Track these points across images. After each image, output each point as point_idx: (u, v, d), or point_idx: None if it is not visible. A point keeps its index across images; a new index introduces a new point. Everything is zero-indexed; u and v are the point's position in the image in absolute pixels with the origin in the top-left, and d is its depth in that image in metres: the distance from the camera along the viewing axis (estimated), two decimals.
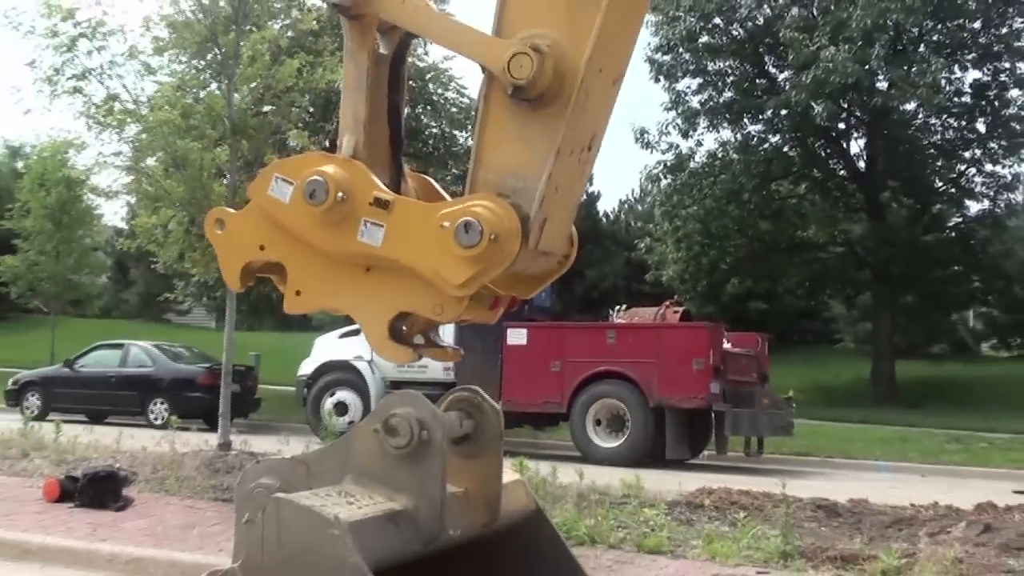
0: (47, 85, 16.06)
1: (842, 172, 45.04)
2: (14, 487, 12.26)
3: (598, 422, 21.23)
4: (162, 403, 27.39)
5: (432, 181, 5.07)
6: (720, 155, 43.55)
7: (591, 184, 58.57)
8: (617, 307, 24.93)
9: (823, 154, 44.97)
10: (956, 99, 41.75)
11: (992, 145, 42.27)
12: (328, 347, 24.27)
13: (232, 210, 4.86)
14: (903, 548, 9.58)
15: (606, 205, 66.79)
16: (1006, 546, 9.86)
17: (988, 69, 42.01)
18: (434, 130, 38.69)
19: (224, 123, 16.09)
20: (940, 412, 33.80)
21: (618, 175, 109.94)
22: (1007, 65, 41.80)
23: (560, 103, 4.30)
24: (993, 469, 21.98)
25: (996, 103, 41.75)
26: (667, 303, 23.95)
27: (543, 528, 5.06)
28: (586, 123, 4.47)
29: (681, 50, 41.95)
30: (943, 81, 38.70)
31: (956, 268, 43.89)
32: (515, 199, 4.32)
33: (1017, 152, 42.03)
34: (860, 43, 36.22)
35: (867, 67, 36.61)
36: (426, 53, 36.15)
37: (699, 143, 43.78)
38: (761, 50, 43.57)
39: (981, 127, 42.34)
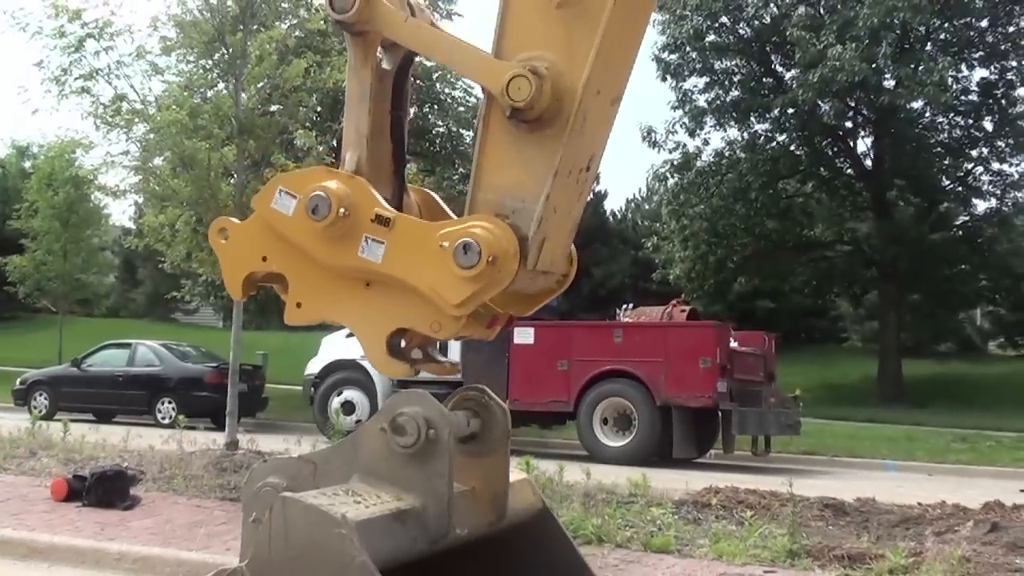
0: (55, 85, 16.06)
1: (849, 171, 44.97)
2: (22, 486, 12.27)
3: (605, 421, 21.22)
4: (169, 402, 27.43)
5: (434, 195, 5.11)
6: (727, 154, 43.55)
7: (598, 183, 58.56)
8: (624, 306, 24.94)
9: (830, 152, 44.91)
10: (963, 97, 41.66)
11: (999, 143, 42.18)
12: (335, 346, 24.26)
13: (236, 220, 4.88)
14: (910, 547, 9.56)
15: (613, 204, 66.78)
16: (1013, 545, 9.83)
17: (995, 67, 41.92)
18: (441, 129, 38.69)
19: (231, 123, 16.09)
20: (947, 411, 33.78)
21: (625, 174, 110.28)
22: (1014, 63, 41.68)
23: (558, 125, 4.33)
24: (1000, 468, 21.95)
25: (1003, 101, 41.64)
26: (674, 302, 23.95)
27: (550, 527, 5.07)
28: (584, 144, 4.49)
29: (688, 49, 41.90)
30: (950, 79, 38.66)
31: (963, 266, 43.82)
32: (514, 220, 4.35)
33: None
34: (867, 42, 36.19)
35: (874, 66, 36.58)
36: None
37: (706, 142, 43.89)
38: (768, 49, 43.53)
39: (988, 125, 42.28)
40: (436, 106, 38.26)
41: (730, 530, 10.54)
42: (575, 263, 4.91)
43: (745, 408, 20.41)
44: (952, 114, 42.07)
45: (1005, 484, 18.07)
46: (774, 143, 43.49)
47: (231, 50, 16.09)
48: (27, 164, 55.34)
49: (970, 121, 42.47)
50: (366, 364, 23.17)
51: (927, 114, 41.96)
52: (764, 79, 43.92)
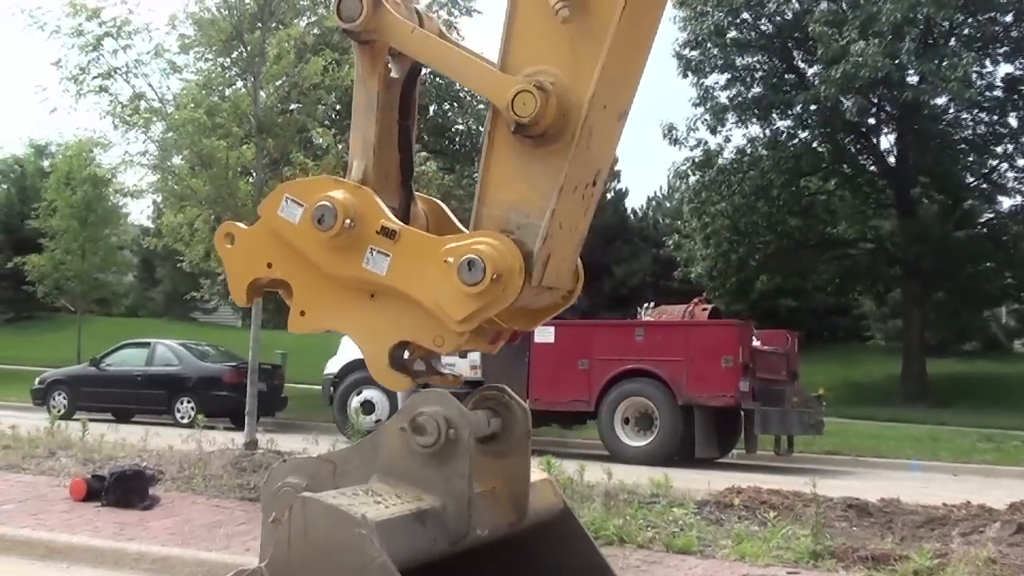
0: (73, 84, 16.13)
1: (872, 168, 44.79)
2: (41, 486, 12.32)
3: (626, 420, 21.21)
4: (188, 402, 27.53)
5: (442, 205, 5.11)
6: (749, 151, 43.43)
7: (618, 180, 58.56)
8: (645, 304, 24.92)
9: (853, 149, 44.73)
10: (987, 93, 41.44)
11: None
12: (354, 346, 24.20)
13: (242, 225, 4.89)
14: (935, 548, 9.52)
15: (634, 202, 66.81)
16: None
17: (1020, 63, 41.65)
18: (460, 127, 38.68)
19: (250, 121, 16.14)
20: (972, 410, 33.65)
21: (646, 171, 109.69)
22: None
23: (564, 140, 4.32)
24: None
25: None
26: (696, 300, 23.89)
27: (571, 527, 5.06)
28: (590, 160, 4.48)
29: (709, 45, 41.82)
30: (974, 75, 38.53)
31: (988, 264, 43.50)
32: (519, 236, 4.34)
33: None
34: (890, 37, 36.02)
35: (897, 61, 36.42)
36: (462, 39, 36.11)
37: (727, 139, 43.74)
38: (790, 45, 43.41)
39: (1013, 121, 42.06)
40: (456, 103, 38.25)
41: (753, 531, 10.53)
42: (581, 279, 4.91)
43: (768, 407, 20.38)
44: (976, 110, 41.88)
45: None
46: (796, 140, 43.34)
47: (249, 48, 16.13)
48: (45, 163, 55.60)
49: (995, 117, 42.24)
50: None
51: (951, 110, 41.72)
52: (786, 75, 43.80)
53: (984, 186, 43.66)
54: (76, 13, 15.96)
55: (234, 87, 17.51)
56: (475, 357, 20.55)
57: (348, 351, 24.48)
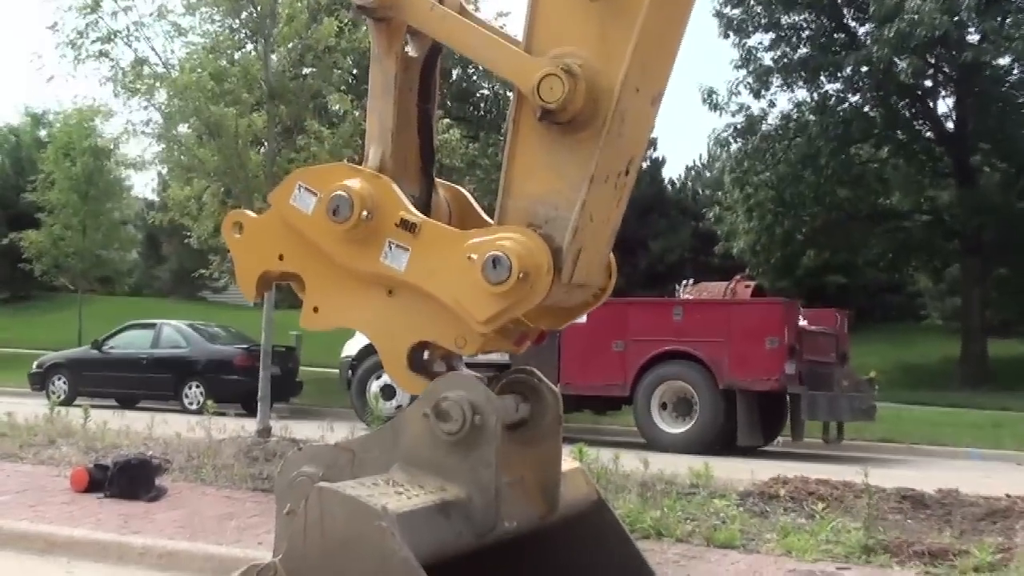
0: (70, 50, 16.13)
1: (928, 134, 44.54)
2: (40, 476, 12.40)
3: (664, 406, 21.19)
4: (197, 387, 27.63)
5: (465, 192, 5.10)
6: (795, 116, 43.27)
7: (655, 149, 58.52)
8: (684, 282, 24.86)
9: (907, 114, 44.47)
10: None
11: None
12: None
13: (251, 213, 4.89)
14: (997, 543, 9.50)
15: (671, 172, 66.86)
16: None
17: None
18: (486, 92, 38.60)
19: (260, 87, 16.12)
20: None
21: (684, 139, 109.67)
22: None
23: (594, 127, 4.30)
24: None
25: None
26: (738, 277, 23.86)
27: (605, 519, 5.07)
28: (623, 147, 4.46)
29: (752, 2, 41.70)
30: None
31: None
32: (547, 230, 4.33)
33: None
34: None
35: (956, 19, 36.23)
36: (476, 9, 36.03)
37: (772, 104, 43.66)
38: (839, 1, 43.17)
39: None
40: (480, 67, 38.17)
41: (800, 523, 10.52)
42: (614, 275, 4.90)
43: (815, 392, 20.31)
44: None
45: None
46: (846, 104, 43.14)
47: (259, 8, 16.08)
48: (43, 133, 55.84)
49: None
50: None
51: (1015, 71, 41.38)
52: (835, 35, 43.58)
53: None
54: None
55: (243, 50, 17.51)
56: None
57: None
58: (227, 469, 12.55)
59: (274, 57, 16.30)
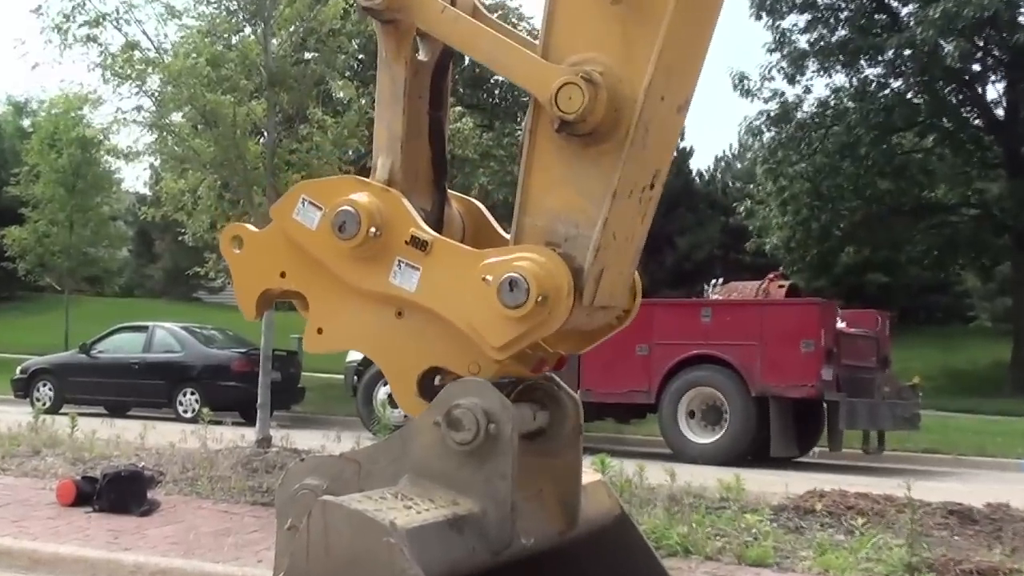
0: (56, 34, 16.18)
1: (976, 121, 44.48)
2: (24, 489, 12.43)
3: (691, 414, 21.18)
4: (192, 393, 27.68)
5: (480, 206, 5.11)
6: (832, 103, 43.27)
7: (682, 139, 58.41)
8: (713, 281, 24.87)
9: (954, 101, 44.40)
10: None
11: None
12: None
13: (252, 227, 4.90)
14: None
15: (700, 163, 67.03)
16: None
17: None
18: (500, 78, 38.63)
19: (260, 73, 16.14)
20: None
21: (714, 128, 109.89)
22: None
23: (616, 139, 4.29)
24: None
25: None
26: (771, 276, 23.82)
27: (629, 535, 5.08)
28: (648, 159, 4.45)
29: None
30: None
31: None
32: (567, 249, 4.33)
33: None
34: None
35: None
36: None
37: (808, 90, 43.68)
38: None
39: None
40: None
41: (838, 540, 10.51)
42: (639, 296, 4.89)
43: (854, 399, 20.27)
44: None
45: None
46: (888, 90, 43.05)
47: None
48: (26, 122, 55.99)
49: None
50: None
51: None
52: (876, 15, 43.53)
53: None
54: None
55: (242, 34, 17.52)
56: None
57: None
58: (224, 481, 12.56)
59: (275, 41, 16.32)
